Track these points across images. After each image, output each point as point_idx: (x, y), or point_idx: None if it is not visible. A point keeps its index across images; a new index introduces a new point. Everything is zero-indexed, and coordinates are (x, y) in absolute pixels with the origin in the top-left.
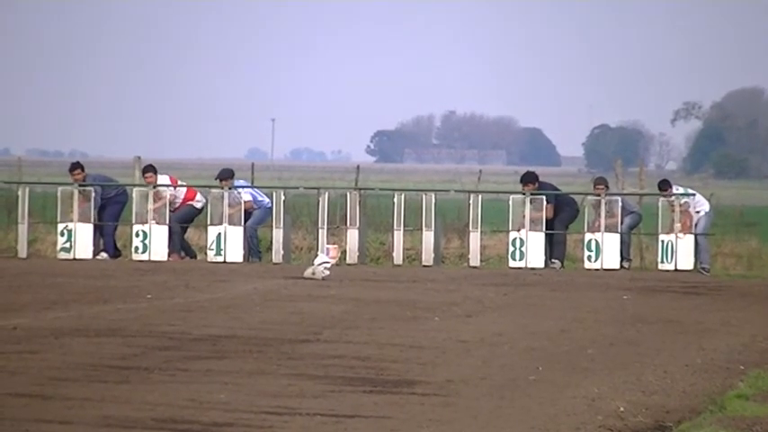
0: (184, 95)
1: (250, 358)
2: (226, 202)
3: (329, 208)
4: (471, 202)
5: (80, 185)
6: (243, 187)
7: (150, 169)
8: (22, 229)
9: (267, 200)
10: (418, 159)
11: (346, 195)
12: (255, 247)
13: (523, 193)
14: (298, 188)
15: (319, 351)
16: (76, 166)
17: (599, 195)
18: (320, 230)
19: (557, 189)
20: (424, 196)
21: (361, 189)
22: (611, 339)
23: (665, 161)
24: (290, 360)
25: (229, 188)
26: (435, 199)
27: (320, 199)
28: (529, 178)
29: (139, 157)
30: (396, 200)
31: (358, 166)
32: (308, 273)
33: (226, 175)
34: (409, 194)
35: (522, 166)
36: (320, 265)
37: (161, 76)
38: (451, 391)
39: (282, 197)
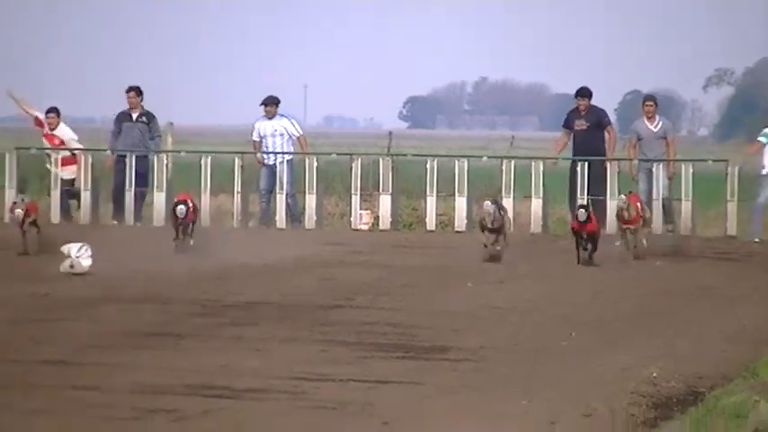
0: (216, 63)
1: (282, 325)
2: (272, 130)
3: (362, 174)
4: (504, 168)
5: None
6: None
7: (54, 111)
8: (55, 195)
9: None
10: (450, 125)
11: (379, 161)
12: (296, 210)
13: (578, 110)
14: (330, 154)
15: (351, 317)
16: (133, 89)
17: (649, 115)
18: (353, 197)
19: (607, 115)
20: (456, 162)
21: (393, 155)
22: (644, 307)
23: (698, 128)
24: (323, 326)
25: (271, 117)
26: (468, 165)
27: (353, 165)
28: (585, 92)
29: (172, 124)
30: (428, 166)
31: (390, 132)
32: (65, 267)
33: (271, 101)
34: (442, 160)
35: (554, 132)
36: (78, 255)
37: (193, 44)
38: (483, 357)
39: (315, 163)
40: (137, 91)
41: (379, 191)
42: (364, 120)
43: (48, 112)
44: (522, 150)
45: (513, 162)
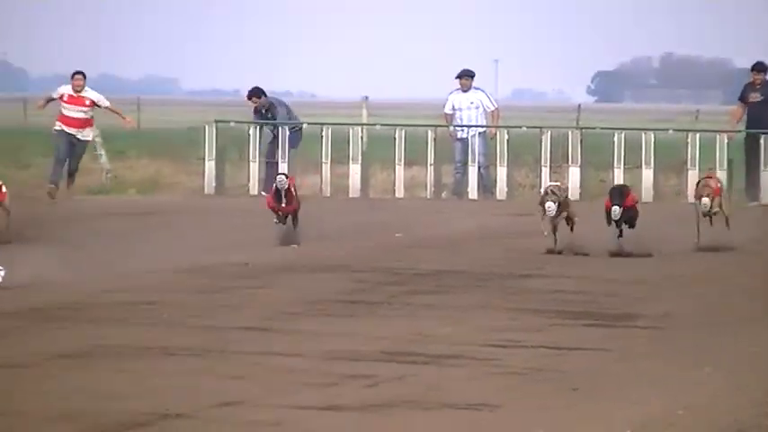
0: (411, 37)
1: (473, 293)
2: (467, 103)
3: (551, 146)
4: (689, 140)
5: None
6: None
7: (80, 73)
8: (254, 167)
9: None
10: (636, 99)
11: (568, 134)
12: (488, 182)
13: (754, 84)
14: (521, 127)
15: (540, 286)
16: (254, 93)
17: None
18: (542, 168)
19: None
20: (643, 135)
21: (582, 128)
22: None
23: None
24: (512, 294)
25: (465, 90)
26: (654, 138)
27: (542, 137)
28: (761, 67)
29: (367, 97)
30: (615, 138)
31: (579, 106)
32: None
33: (466, 74)
34: (628, 133)
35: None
36: None
37: (389, 19)
38: (669, 324)
39: (506, 136)
40: (257, 94)
41: (567, 163)
42: (553, 92)
43: (75, 74)
44: (706, 124)
45: (697, 135)
